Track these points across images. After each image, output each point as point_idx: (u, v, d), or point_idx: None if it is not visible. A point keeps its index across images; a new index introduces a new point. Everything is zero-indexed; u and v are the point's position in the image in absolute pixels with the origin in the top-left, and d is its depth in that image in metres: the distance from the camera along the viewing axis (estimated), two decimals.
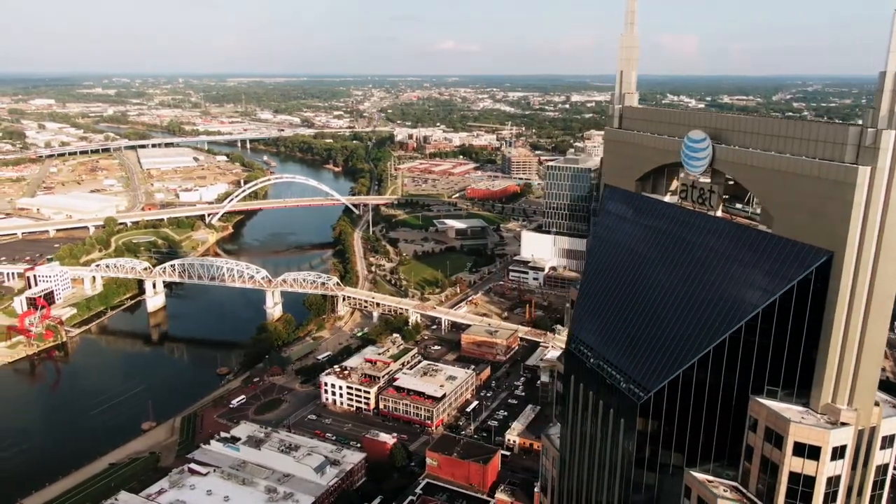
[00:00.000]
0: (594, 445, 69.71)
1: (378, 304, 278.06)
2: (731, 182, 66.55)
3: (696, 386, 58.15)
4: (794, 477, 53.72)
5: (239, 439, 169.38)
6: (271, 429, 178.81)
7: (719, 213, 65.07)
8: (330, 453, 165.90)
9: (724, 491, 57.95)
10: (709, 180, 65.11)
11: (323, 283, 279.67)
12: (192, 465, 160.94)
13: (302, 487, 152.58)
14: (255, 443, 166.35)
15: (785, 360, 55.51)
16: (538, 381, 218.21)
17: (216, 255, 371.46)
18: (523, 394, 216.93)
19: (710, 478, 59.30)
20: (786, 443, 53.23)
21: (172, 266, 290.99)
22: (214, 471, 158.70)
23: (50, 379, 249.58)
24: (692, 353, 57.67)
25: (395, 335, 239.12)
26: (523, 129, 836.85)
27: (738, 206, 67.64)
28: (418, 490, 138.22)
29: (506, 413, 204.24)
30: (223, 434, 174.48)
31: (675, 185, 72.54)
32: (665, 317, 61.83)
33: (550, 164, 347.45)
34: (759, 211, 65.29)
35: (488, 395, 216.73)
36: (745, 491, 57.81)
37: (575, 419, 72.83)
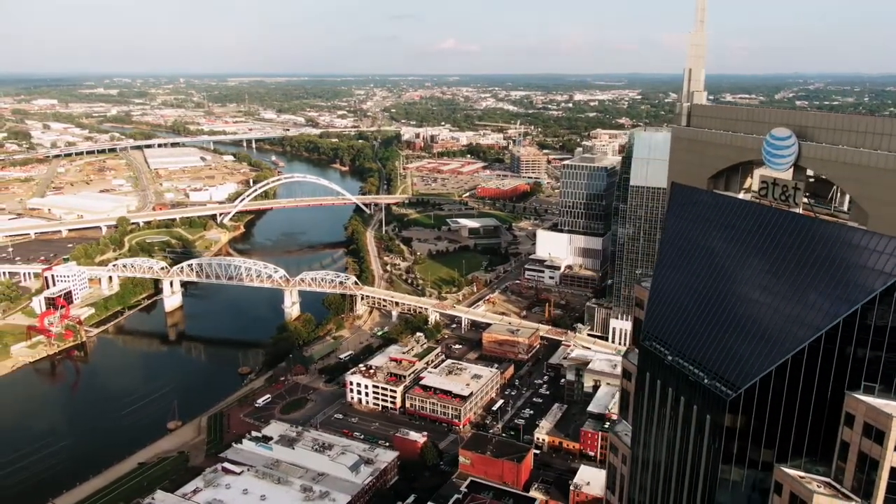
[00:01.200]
0: (672, 442, 69.73)
1: (397, 304, 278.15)
2: (813, 179, 66.75)
3: (790, 382, 58.18)
4: (895, 472, 53.96)
5: (271, 438, 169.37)
6: (302, 428, 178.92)
7: (799, 210, 65.22)
8: (363, 452, 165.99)
9: (818, 487, 58.11)
10: (790, 178, 65.26)
11: (341, 283, 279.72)
12: (226, 465, 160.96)
13: (337, 486, 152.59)
14: (288, 442, 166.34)
15: (884, 355, 55.63)
16: (562, 380, 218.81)
17: (228, 254, 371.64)
18: (547, 392, 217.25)
19: (802, 473, 59.48)
20: (887, 438, 53.27)
21: (190, 266, 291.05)
22: (248, 470, 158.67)
23: (71, 379, 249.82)
24: (786, 349, 57.67)
25: (418, 334, 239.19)
26: (531, 128, 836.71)
27: (816, 202, 67.79)
28: (463, 488, 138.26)
29: (532, 411, 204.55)
30: (254, 433, 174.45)
31: (748, 182, 72.82)
32: (753, 314, 61.84)
33: (566, 162, 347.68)
34: (844, 208, 65.51)
35: (512, 393, 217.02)
36: (838, 487, 57.90)
37: (650, 416, 72.86)
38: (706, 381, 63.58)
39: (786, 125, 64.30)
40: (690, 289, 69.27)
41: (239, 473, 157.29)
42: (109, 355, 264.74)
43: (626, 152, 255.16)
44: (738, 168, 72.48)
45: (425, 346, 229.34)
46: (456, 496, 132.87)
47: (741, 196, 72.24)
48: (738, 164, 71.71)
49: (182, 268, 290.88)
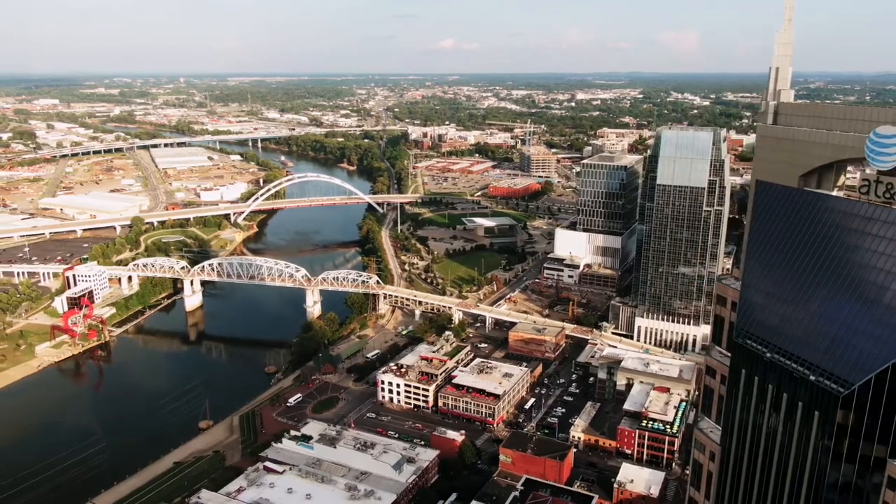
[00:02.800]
0: (772, 439, 70.05)
1: (420, 303, 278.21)
2: None
3: None
4: None
5: (310, 437, 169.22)
6: (341, 427, 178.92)
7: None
8: (404, 451, 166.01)
9: None
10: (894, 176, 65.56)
11: (364, 282, 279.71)
12: (268, 464, 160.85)
13: (381, 485, 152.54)
14: (329, 441, 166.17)
15: None
16: (591, 378, 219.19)
17: (242, 254, 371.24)
18: (577, 390, 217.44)
19: None
20: None
21: (211, 265, 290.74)
22: (290, 469, 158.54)
23: (96, 379, 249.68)
24: None
25: (447, 332, 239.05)
26: (540, 127, 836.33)
27: None
28: (519, 486, 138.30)
29: (564, 410, 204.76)
30: (293, 432, 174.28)
31: (841, 180, 73.22)
32: (864, 311, 62.08)
33: (585, 161, 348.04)
34: None
35: (543, 392, 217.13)
36: None
37: (744, 413, 73.21)
38: (812, 377, 63.96)
39: (892, 123, 64.72)
40: (789, 287, 69.52)
41: (281, 472, 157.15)
42: (132, 355, 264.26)
43: (653, 150, 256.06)
44: (832, 166, 72.88)
45: (454, 344, 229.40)
46: (514, 494, 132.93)
47: (834, 194, 72.68)
48: (832, 162, 72.14)
49: (203, 267, 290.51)
